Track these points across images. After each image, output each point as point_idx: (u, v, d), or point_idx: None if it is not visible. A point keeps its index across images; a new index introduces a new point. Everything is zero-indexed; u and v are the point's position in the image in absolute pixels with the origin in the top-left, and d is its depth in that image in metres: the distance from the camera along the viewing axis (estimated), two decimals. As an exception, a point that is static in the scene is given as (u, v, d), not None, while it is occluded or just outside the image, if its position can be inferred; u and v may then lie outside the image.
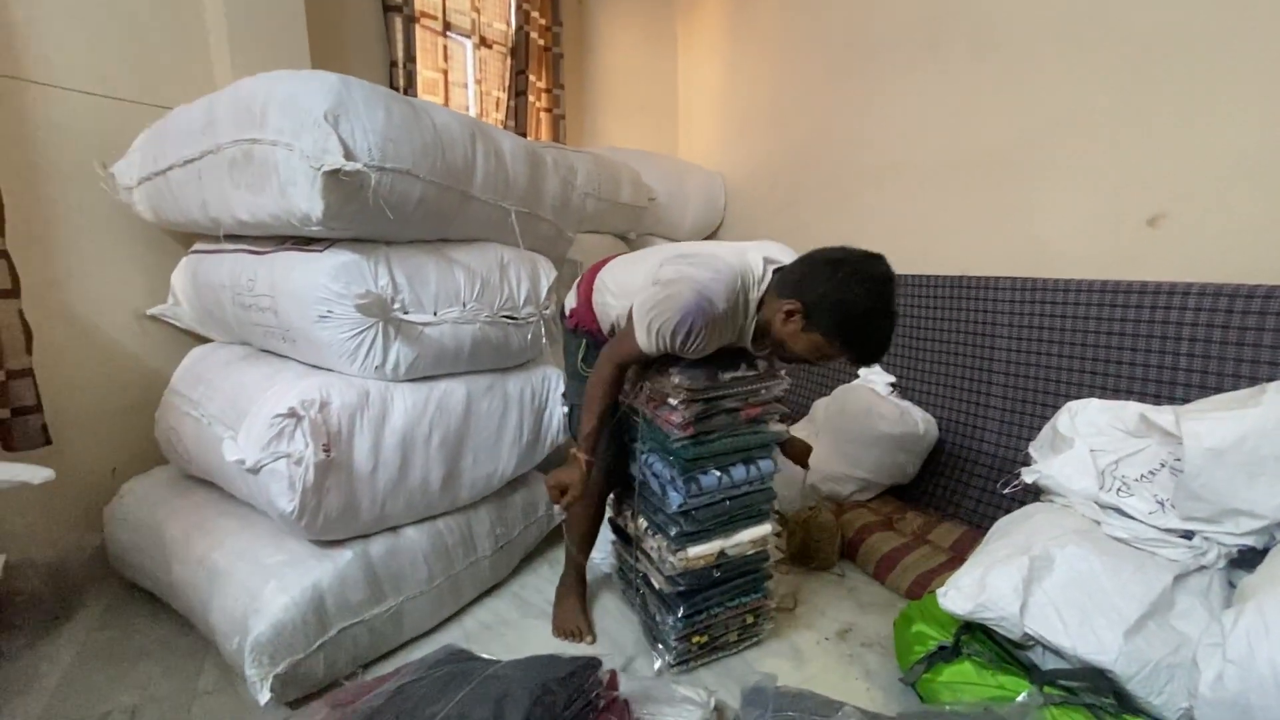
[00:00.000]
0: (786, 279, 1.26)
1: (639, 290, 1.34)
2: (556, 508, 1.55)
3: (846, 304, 1.16)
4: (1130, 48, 1.89)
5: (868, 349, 1.21)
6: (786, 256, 1.35)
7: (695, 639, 1.51)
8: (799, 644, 1.63)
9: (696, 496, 1.41)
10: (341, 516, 1.44)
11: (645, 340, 1.27)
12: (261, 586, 1.36)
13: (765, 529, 1.52)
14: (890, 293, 1.19)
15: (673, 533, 1.43)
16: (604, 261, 1.59)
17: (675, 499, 1.40)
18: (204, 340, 1.93)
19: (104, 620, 1.67)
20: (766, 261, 1.31)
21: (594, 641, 1.62)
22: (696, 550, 1.44)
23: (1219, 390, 1.56)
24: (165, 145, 1.64)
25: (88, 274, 1.83)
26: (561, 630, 1.64)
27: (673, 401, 1.37)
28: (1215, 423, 1.20)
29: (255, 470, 1.34)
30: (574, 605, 1.67)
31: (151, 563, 1.62)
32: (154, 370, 1.92)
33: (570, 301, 1.63)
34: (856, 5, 2.74)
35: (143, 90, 1.88)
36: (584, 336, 1.59)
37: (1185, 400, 1.56)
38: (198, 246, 1.86)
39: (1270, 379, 1.48)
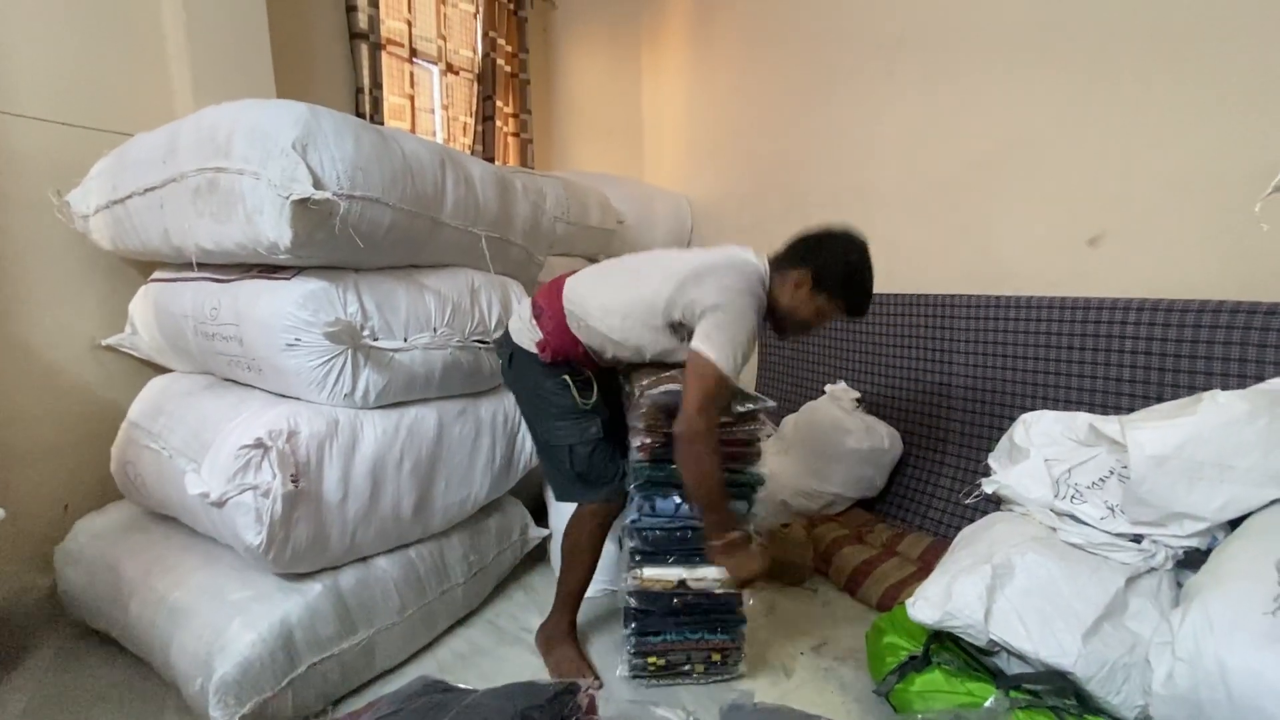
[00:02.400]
0: (787, 258, 1.46)
1: (639, 304, 1.42)
2: (744, 594, 1.47)
3: (847, 265, 1.43)
4: (1072, 74, 2.02)
5: (864, 301, 1.46)
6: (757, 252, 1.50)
7: (651, 659, 1.51)
8: (776, 660, 1.64)
9: (650, 516, 1.45)
10: (310, 548, 1.41)
11: (732, 365, 1.30)
12: (226, 624, 1.32)
13: None
14: (868, 257, 1.45)
15: (627, 547, 1.47)
16: (554, 287, 1.54)
17: (630, 513, 1.46)
18: (163, 370, 1.88)
19: (56, 665, 1.60)
20: (759, 254, 1.48)
21: (601, 686, 1.52)
22: (652, 572, 1.46)
23: (1160, 400, 1.65)
24: (125, 173, 1.61)
25: (40, 304, 1.78)
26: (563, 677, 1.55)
27: (638, 424, 1.42)
28: (1156, 431, 1.27)
29: (220, 504, 1.30)
30: (570, 651, 1.59)
31: (107, 603, 1.56)
32: (110, 402, 1.86)
33: (532, 336, 1.52)
34: (813, 34, 2.86)
35: (100, 117, 1.85)
36: (565, 369, 1.52)
37: (1130, 410, 1.64)
38: (158, 274, 1.82)
39: (1206, 388, 1.58)
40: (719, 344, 1.29)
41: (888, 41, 2.55)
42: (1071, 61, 2.02)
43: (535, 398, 1.57)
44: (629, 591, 1.49)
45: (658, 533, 1.46)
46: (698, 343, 1.31)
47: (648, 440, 1.43)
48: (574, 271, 1.60)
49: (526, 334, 1.55)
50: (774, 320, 1.50)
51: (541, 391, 1.54)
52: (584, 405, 1.52)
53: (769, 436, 1.53)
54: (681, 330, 1.42)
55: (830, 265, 1.42)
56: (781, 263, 1.46)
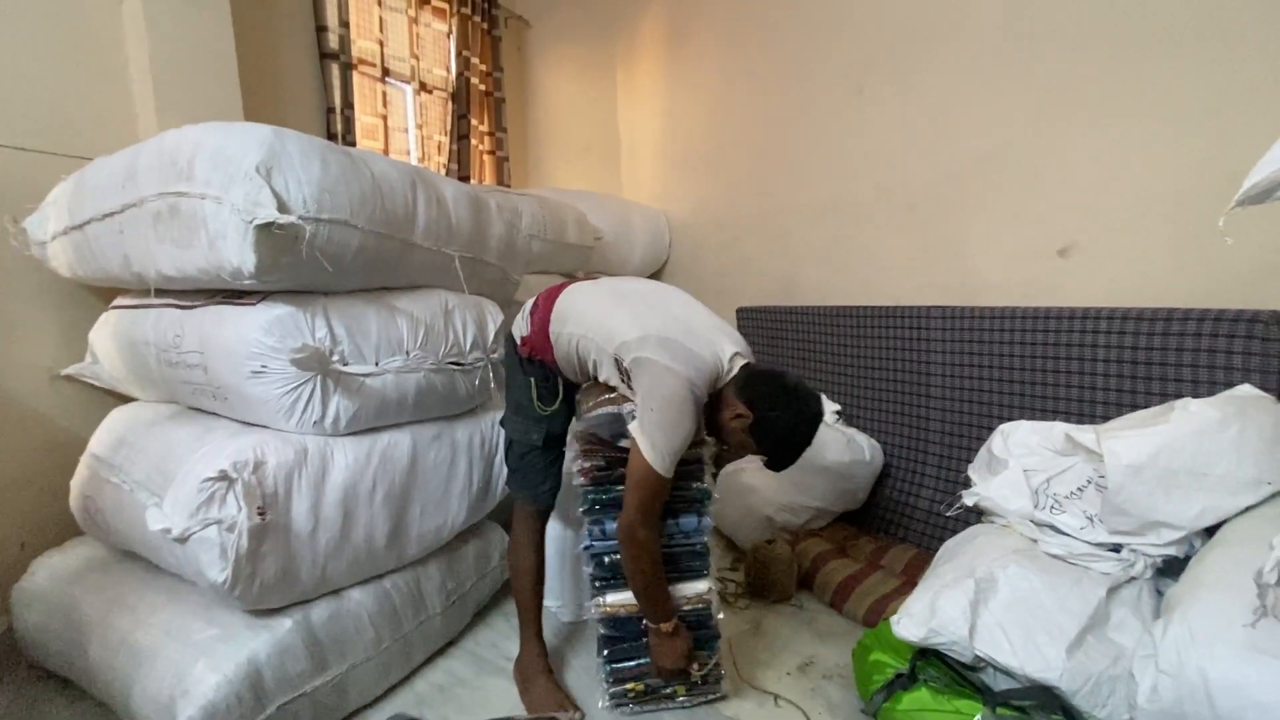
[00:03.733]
0: (747, 385, 1.38)
1: (598, 326, 1.41)
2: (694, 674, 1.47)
3: (785, 432, 1.38)
4: (1041, 88, 2.06)
5: (781, 463, 1.44)
6: (744, 348, 1.45)
7: (630, 686, 1.48)
8: (762, 682, 1.62)
9: (601, 540, 1.46)
10: (279, 583, 1.36)
11: (668, 465, 1.29)
12: (190, 665, 1.27)
13: (699, 587, 1.50)
14: (809, 434, 1.41)
15: (586, 574, 1.46)
16: (558, 289, 1.56)
17: (583, 539, 1.47)
18: (126, 400, 1.82)
19: (11, 710, 1.52)
20: (735, 357, 1.41)
21: (583, 717, 1.49)
22: (615, 598, 1.45)
23: (1133, 408, 1.67)
24: (84, 198, 1.57)
25: (-6, 334, 1.71)
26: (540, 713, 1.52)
27: (575, 447, 1.48)
28: (1131, 440, 1.28)
29: (183, 539, 1.25)
30: (545, 684, 1.54)
31: (66, 645, 1.49)
32: (69, 433, 1.80)
33: (521, 329, 1.57)
34: (786, 52, 2.89)
35: (59, 141, 1.80)
36: (537, 370, 1.54)
37: (1105, 418, 1.65)
38: (119, 301, 1.77)
39: (1177, 395, 1.60)
40: (660, 447, 1.28)
41: (858, 58, 2.58)
42: (1040, 76, 2.05)
43: (508, 384, 1.64)
44: (597, 619, 1.47)
45: (613, 556, 1.44)
46: (638, 435, 1.29)
47: (585, 464, 1.47)
48: (589, 277, 1.64)
49: (520, 325, 1.59)
50: (706, 417, 1.43)
51: (511, 382, 1.61)
52: (540, 410, 1.54)
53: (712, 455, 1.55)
54: (625, 375, 1.39)
55: (771, 423, 1.36)
56: (742, 385, 1.39)
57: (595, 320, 1.43)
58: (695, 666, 1.45)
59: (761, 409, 1.36)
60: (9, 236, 1.69)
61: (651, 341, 1.33)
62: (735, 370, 1.40)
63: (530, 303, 1.60)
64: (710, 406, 1.40)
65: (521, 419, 1.56)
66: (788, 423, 1.38)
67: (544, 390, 1.54)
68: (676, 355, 1.32)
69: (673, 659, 1.40)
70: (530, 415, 1.55)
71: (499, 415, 1.87)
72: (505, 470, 1.66)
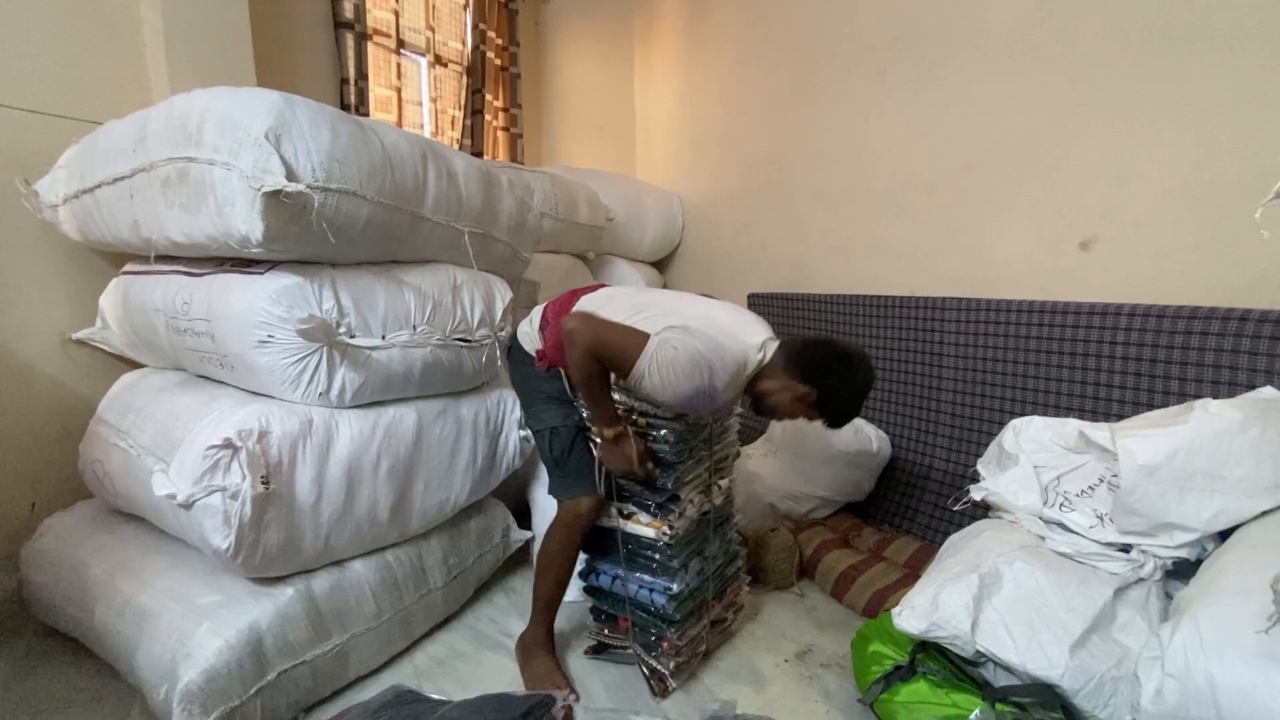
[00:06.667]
0: (797, 360, 1.41)
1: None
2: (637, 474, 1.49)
3: (850, 397, 1.43)
4: (1064, 77, 2.00)
5: (842, 423, 1.48)
6: (770, 331, 1.46)
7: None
8: (759, 667, 1.62)
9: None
10: (282, 552, 1.37)
11: (646, 374, 1.31)
12: (193, 629, 1.28)
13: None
14: (871, 385, 1.46)
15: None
16: (566, 301, 1.55)
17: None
18: (135, 365, 1.83)
19: (20, 669, 1.55)
20: (767, 342, 1.43)
21: (577, 699, 1.49)
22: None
23: (1151, 407, 1.64)
24: (94, 162, 1.56)
25: (6, 296, 1.72)
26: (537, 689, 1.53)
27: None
28: (1147, 440, 1.25)
29: (188, 505, 1.26)
30: (546, 663, 1.54)
31: (73, 605, 1.51)
32: (79, 398, 1.81)
33: (533, 342, 1.58)
34: (806, 33, 2.83)
35: (72, 105, 1.79)
36: (559, 377, 1.54)
37: (1121, 417, 1.62)
38: (129, 267, 1.77)
39: (1196, 396, 1.56)
40: (659, 369, 1.30)
41: (880, 42, 2.52)
42: (1064, 64, 1.99)
43: (525, 384, 1.62)
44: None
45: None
46: (658, 352, 1.31)
47: None
48: (591, 289, 1.60)
49: (530, 341, 1.60)
50: (753, 400, 1.48)
51: (536, 386, 1.58)
52: (572, 395, 1.54)
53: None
54: None
55: (835, 396, 1.41)
56: (791, 362, 1.41)
57: (622, 320, 1.41)
58: (649, 468, 1.47)
59: (818, 380, 1.39)
60: (21, 198, 1.69)
61: (677, 326, 1.34)
62: (771, 352, 1.42)
63: (536, 318, 1.60)
64: (754, 393, 1.45)
65: (556, 406, 1.55)
66: (850, 387, 1.42)
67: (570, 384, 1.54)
68: (699, 335, 1.34)
69: (620, 464, 1.44)
70: (566, 400, 1.55)
71: (505, 393, 1.87)
72: (551, 480, 1.58)
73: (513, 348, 1.65)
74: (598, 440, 1.49)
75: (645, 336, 1.33)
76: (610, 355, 1.35)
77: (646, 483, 1.51)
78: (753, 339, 1.41)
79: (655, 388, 1.33)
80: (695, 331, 1.34)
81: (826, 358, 1.41)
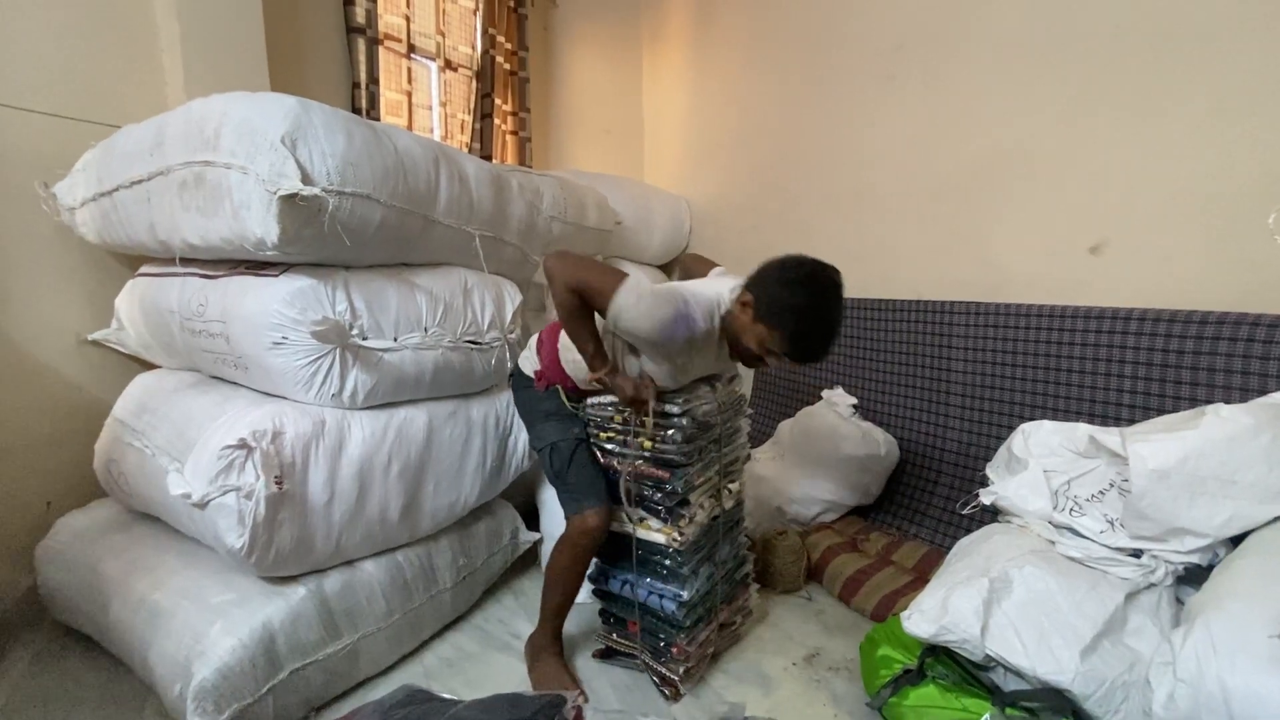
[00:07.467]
0: (749, 279, 1.39)
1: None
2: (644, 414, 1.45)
3: (790, 298, 1.30)
4: (1073, 80, 1.99)
5: (801, 344, 1.31)
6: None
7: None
8: (767, 670, 1.62)
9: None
10: (294, 551, 1.38)
11: (623, 301, 1.27)
12: (207, 628, 1.29)
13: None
14: (830, 300, 1.31)
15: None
16: (558, 326, 1.57)
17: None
18: (150, 367, 1.85)
19: (36, 666, 1.57)
20: (736, 287, 1.41)
21: (586, 700, 1.50)
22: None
23: (1161, 412, 1.63)
24: (112, 165, 1.58)
25: (25, 297, 1.74)
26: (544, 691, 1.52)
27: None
28: (1158, 444, 1.25)
29: (202, 505, 1.28)
30: (554, 665, 1.54)
31: (88, 604, 1.53)
32: (95, 398, 1.83)
33: (532, 364, 1.61)
34: (814, 37, 2.83)
35: (90, 109, 1.82)
36: (558, 394, 1.58)
37: (1131, 421, 1.62)
38: (145, 269, 1.79)
39: (1207, 401, 1.55)
40: (637, 299, 1.27)
41: (888, 46, 2.52)
42: (1073, 68, 1.99)
43: (527, 405, 1.64)
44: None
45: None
46: (641, 293, 1.29)
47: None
48: None
49: (529, 363, 1.63)
50: (730, 345, 1.46)
51: (536, 405, 1.61)
52: (572, 409, 1.57)
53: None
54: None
55: (772, 294, 1.31)
56: (744, 283, 1.39)
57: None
58: (649, 388, 1.43)
59: (757, 287, 1.32)
60: (40, 201, 1.71)
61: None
62: (738, 289, 1.40)
63: (533, 342, 1.65)
64: (730, 339, 1.43)
65: (555, 421, 1.57)
66: (788, 291, 1.29)
67: (569, 394, 1.58)
68: (668, 289, 1.36)
69: (626, 390, 1.41)
70: (565, 414, 1.57)
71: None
72: (558, 497, 1.55)
73: (515, 374, 1.67)
74: (601, 448, 1.53)
75: (623, 273, 1.31)
76: (589, 289, 1.30)
77: (656, 421, 1.46)
78: (725, 285, 1.42)
79: (639, 316, 1.28)
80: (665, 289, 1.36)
81: (771, 264, 1.35)
